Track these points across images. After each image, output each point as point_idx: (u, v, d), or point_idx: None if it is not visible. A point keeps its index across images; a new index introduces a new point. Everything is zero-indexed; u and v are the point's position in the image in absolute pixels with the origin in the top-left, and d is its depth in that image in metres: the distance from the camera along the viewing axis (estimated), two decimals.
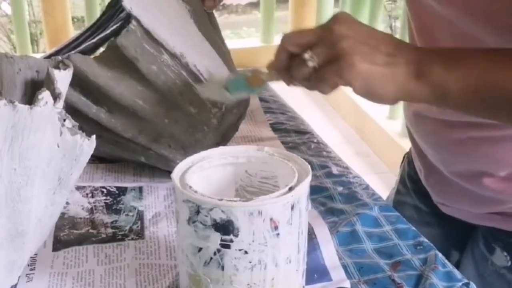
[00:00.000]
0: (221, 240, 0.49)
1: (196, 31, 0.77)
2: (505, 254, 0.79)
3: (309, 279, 0.60)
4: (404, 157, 1.01)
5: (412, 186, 0.93)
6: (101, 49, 0.99)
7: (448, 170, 0.81)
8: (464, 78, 0.57)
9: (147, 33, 0.71)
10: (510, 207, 0.77)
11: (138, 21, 0.70)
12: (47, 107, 0.49)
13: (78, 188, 0.77)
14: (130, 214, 0.73)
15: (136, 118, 0.73)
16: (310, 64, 0.57)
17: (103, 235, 0.69)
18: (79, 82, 0.70)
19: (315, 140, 0.94)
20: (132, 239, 0.68)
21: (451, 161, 0.80)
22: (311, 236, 0.67)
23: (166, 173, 0.77)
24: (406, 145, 0.99)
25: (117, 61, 0.71)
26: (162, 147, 0.75)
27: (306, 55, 0.57)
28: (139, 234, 0.69)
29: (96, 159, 0.83)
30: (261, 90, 0.67)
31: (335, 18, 0.58)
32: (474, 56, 0.59)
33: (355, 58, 0.55)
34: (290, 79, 0.62)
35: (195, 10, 0.79)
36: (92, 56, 0.73)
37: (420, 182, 0.90)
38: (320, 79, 0.58)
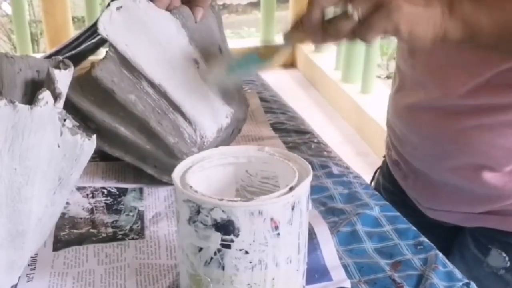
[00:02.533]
0: (222, 240, 0.49)
1: (181, 51, 0.74)
2: (504, 255, 0.77)
3: (310, 279, 0.60)
4: (375, 173, 1.00)
5: (390, 198, 0.91)
6: (102, 49, 1.00)
7: (445, 166, 0.79)
8: (494, 11, 0.59)
9: (125, 60, 0.69)
10: (508, 204, 0.76)
11: (115, 48, 0.69)
12: (48, 107, 0.49)
13: (79, 188, 0.77)
14: (131, 214, 0.73)
15: (120, 140, 0.74)
16: (356, 17, 0.56)
17: (103, 235, 0.69)
18: (67, 101, 0.69)
19: (315, 140, 0.94)
20: (133, 238, 0.68)
21: (449, 155, 0.78)
22: (312, 236, 0.67)
23: None
24: None
25: (96, 89, 0.70)
26: (148, 167, 0.76)
27: (351, 9, 0.56)
28: (140, 234, 0.69)
29: (97, 156, 0.83)
30: (273, 62, 0.65)
31: None
32: None
33: (401, 2, 0.56)
34: (324, 37, 0.60)
35: (185, 23, 0.75)
36: (81, 71, 0.72)
37: (399, 194, 0.88)
38: (367, 29, 0.57)
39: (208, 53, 0.75)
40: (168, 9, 0.74)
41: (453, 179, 0.79)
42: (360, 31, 0.58)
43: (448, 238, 0.81)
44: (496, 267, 0.79)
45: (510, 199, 0.76)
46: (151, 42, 0.71)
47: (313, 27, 0.59)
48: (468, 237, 0.82)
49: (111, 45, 0.69)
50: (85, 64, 0.93)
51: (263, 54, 0.65)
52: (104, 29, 0.68)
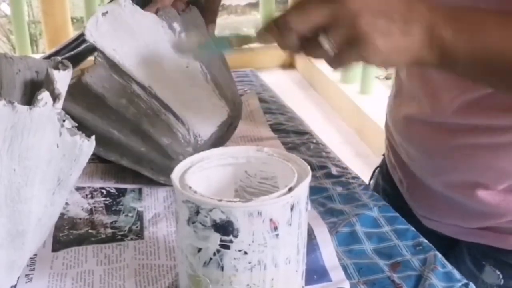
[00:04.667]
0: (221, 240, 0.49)
1: (169, 52, 0.74)
2: (498, 272, 0.76)
3: (309, 280, 0.60)
4: (374, 172, 0.99)
5: (388, 201, 0.90)
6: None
7: (439, 180, 0.78)
8: (473, 44, 0.56)
9: (114, 64, 0.70)
10: (502, 222, 0.75)
11: (103, 53, 0.69)
12: (47, 108, 0.49)
13: (78, 189, 0.77)
14: (130, 214, 0.73)
15: (114, 144, 0.74)
16: (328, 48, 0.54)
17: (103, 235, 0.69)
18: None
19: (314, 141, 0.94)
20: (132, 239, 0.68)
21: (444, 170, 0.77)
22: (311, 236, 0.67)
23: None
24: None
25: (87, 95, 0.71)
26: (145, 169, 0.76)
27: (323, 40, 0.53)
28: (139, 234, 0.69)
29: (96, 158, 0.83)
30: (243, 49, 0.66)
31: None
32: (484, 20, 0.57)
33: (375, 36, 0.52)
34: (297, 52, 0.58)
35: (172, 25, 0.74)
36: (76, 73, 0.72)
37: (397, 197, 0.87)
38: (339, 61, 0.55)
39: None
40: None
41: (448, 192, 0.78)
42: (331, 62, 0.56)
43: (445, 248, 0.80)
44: (490, 284, 0.77)
45: (504, 217, 0.74)
46: (138, 45, 0.72)
47: (289, 51, 0.58)
48: (464, 250, 0.81)
49: (99, 51, 0.70)
50: (84, 64, 0.93)
51: (234, 43, 0.65)
52: (91, 36, 0.69)
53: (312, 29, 0.54)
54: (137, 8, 0.72)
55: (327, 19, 0.53)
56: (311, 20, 0.54)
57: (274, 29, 0.56)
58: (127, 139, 0.73)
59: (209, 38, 0.71)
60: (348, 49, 0.54)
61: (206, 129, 0.75)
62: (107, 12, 0.70)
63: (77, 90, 0.70)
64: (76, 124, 0.54)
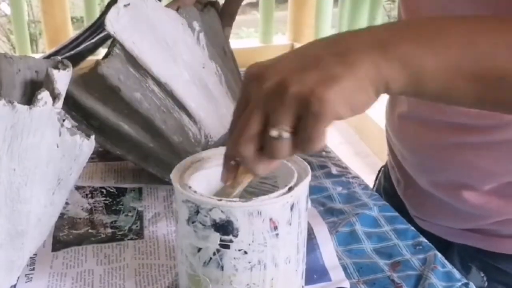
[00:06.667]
0: (221, 240, 0.48)
1: (188, 51, 0.74)
2: (482, 274, 0.77)
3: (309, 279, 0.60)
4: (379, 171, 0.99)
5: (388, 200, 0.91)
6: (101, 49, 1.00)
7: (427, 179, 0.79)
8: (443, 54, 0.45)
9: (132, 57, 0.69)
10: (488, 223, 0.75)
11: (122, 45, 0.69)
12: (47, 107, 0.49)
13: (78, 188, 0.77)
14: (130, 214, 0.73)
15: (123, 138, 0.74)
16: (285, 135, 0.45)
17: (103, 235, 0.69)
18: (70, 98, 0.69)
19: None
20: (132, 239, 0.68)
21: (431, 169, 0.77)
22: (311, 236, 0.67)
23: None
24: None
25: (101, 86, 0.70)
26: (150, 166, 0.76)
27: (274, 133, 0.44)
28: (139, 234, 0.69)
29: (96, 157, 0.83)
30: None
31: (252, 75, 0.46)
32: (452, 25, 0.47)
33: (316, 89, 0.43)
34: (267, 163, 0.48)
35: (191, 24, 0.75)
36: (81, 70, 0.71)
37: (396, 196, 0.87)
38: (306, 142, 0.45)
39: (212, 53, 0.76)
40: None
41: (436, 192, 0.78)
42: (300, 145, 0.45)
43: (438, 249, 0.81)
44: (476, 286, 0.78)
45: (489, 218, 0.75)
46: (157, 41, 0.71)
47: (249, 163, 0.47)
48: (455, 252, 0.81)
49: (118, 43, 0.69)
50: (84, 64, 0.93)
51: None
52: (111, 26, 0.68)
53: (255, 139, 0.46)
54: (159, 3, 0.72)
55: (262, 116, 0.45)
56: (248, 131, 0.46)
57: (230, 163, 0.51)
58: (137, 134, 0.73)
59: None
60: (305, 125, 0.44)
61: (217, 130, 0.75)
62: (129, 4, 0.69)
63: (91, 80, 0.69)
64: (76, 124, 0.54)
